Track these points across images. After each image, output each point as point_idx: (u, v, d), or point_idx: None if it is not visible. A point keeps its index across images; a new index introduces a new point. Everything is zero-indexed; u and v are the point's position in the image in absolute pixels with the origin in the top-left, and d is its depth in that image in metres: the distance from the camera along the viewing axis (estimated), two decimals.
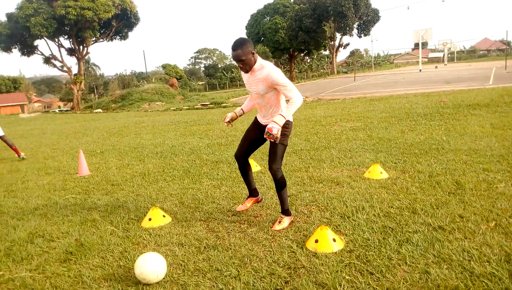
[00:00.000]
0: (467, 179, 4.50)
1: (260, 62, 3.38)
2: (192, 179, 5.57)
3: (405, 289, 2.48)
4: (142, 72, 65.09)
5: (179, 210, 4.28)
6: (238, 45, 3.25)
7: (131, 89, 37.14)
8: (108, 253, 3.34)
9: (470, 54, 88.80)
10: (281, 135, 3.41)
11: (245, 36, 3.32)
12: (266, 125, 3.45)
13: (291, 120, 3.55)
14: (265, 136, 3.32)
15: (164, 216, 3.97)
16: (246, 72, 3.42)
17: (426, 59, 77.90)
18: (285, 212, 3.67)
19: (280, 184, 3.59)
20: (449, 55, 68.55)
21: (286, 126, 3.50)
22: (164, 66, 69.64)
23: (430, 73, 37.27)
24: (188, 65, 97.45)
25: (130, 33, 41.07)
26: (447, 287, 2.46)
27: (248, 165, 3.89)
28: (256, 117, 3.77)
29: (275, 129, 3.25)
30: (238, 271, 2.86)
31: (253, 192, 3.95)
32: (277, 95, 3.44)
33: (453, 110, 10.17)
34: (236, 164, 3.93)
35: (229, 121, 3.91)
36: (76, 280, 2.92)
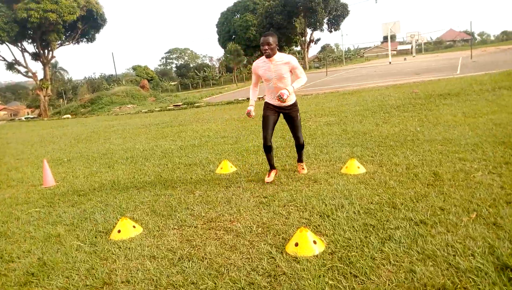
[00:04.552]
0: (445, 170, 4.45)
1: (279, 54, 4.47)
2: (164, 185, 5.32)
3: None
4: (112, 75, 63.51)
5: (150, 219, 4.04)
6: (270, 33, 4.42)
7: (101, 92, 36.17)
8: (74, 271, 3.08)
9: (437, 45, 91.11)
10: (298, 111, 4.77)
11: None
12: (279, 106, 4.64)
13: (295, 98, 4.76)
14: (276, 98, 4.36)
15: (134, 226, 3.72)
16: (267, 56, 4.39)
17: (395, 52, 79.46)
18: (302, 160, 5.12)
19: (303, 147, 4.97)
20: (417, 47, 70.05)
21: (296, 104, 4.76)
22: (134, 68, 68.29)
23: (399, 65, 37.99)
24: (159, 65, 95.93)
25: (97, 35, 40.03)
26: (434, 286, 2.35)
27: (272, 143, 4.78)
28: (267, 104, 4.73)
29: (286, 95, 4.27)
30: (215, 283, 2.67)
31: (273, 166, 4.93)
32: (290, 76, 4.53)
33: (425, 101, 10.28)
34: (263, 149, 4.83)
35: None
36: None
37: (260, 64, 4.56)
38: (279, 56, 4.44)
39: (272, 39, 4.32)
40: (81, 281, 2.92)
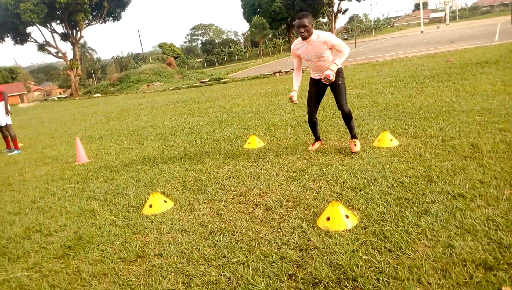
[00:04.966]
0: (484, 141, 4.23)
1: (316, 32, 4.31)
2: (193, 160, 5.35)
3: (429, 266, 2.27)
4: (139, 53, 64.12)
5: (181, 194, 4.07)
6: (304, 14, 4.24)
7: (129, 71, 36.68)
8: (108, 245, 3.15)
9: (473, 12, 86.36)
10: (340, 78, 4.48)
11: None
12: (321, 79, 4.40)
13: (341, 66, 4.49)
14: (322, 80, 4.28)
15: (165, 201, 3.76)
16: (304, 38, 4.28)
17: (427, 20, 76.00)
18: (354, 136, 4.68)
19: (348, 117, 4.58)
20: (450, 14, 66.66)
21: (341, 71, 4.52)
22: (160, 46, 68.59)
23: (432, 34, 36.35)
24: (185, 42, 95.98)
25: (123, 13, 40.36)
26: (474, 261, 2.25)
27: (316, 119, 4.89)
28: (311, 78, 4.71)
29: (332, 75, 4.21)
30: (246, 257, 2.66)
31: (318, 138, 5.06)
32: (331, 53, 4.40)
33: (461, 70, 9.78)
34: (307, 120, 4.94)
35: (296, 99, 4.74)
36: (75, 277, 2.75)
37: (298, 46, 4.50)
38: (316, 35, 4.31)
39: (307, 21, 4.20)
40: (116, 254, 2.98)
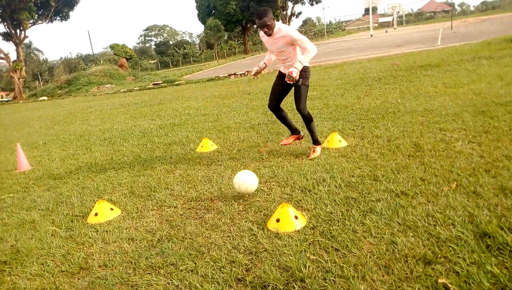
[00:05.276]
0: (425, 141, 4.44)
1: (277, 25, 4.13)
2: (143, 165, 5.19)
3: (373, 263, 2.34)
4: (89, 54, 61.74)
5: (129, 201, 3.93)
6: (263, 13, 3.97)
7: (78, 73, 35.18)
8: (49, 257, 2.97)
9: (418, 17, 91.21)
10: (302, 78, 4.24)
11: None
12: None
13: (308, 65, 4.32)
14: (286, 78, 4.10)
15: (112, 209, 3.61)
16: (269, 35, 4.15)
17: (377, 24, 79.16)
18: (315, 142, 4.50)
19: (307, 120, 4.39)
20: (398, 19, 69.90)
21: (305, 70, 4.27)
22: (112, 47, 66.45)
23: (381, 37, 37.90)
24: (138, 43, 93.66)
25: (71, 13, 38.59)
26: (415, 256, 2.34)
27: (283, 111, 4.64)
28: (279, 71, 4.55)
29: (294, 72, 4.02)
30: (195, 263, 2.60)
31: (294, 131, 4.73)
32: (294, 49, 4.20)
33: (406, 72, 10.25)
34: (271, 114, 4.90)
35: (255, 74, 4.66)
36: None
37: (262, 34, 4.35)
38: (277, 28, 4.12)
39: (267, 18, 3.97)
40: (57, 267, 2.82)
